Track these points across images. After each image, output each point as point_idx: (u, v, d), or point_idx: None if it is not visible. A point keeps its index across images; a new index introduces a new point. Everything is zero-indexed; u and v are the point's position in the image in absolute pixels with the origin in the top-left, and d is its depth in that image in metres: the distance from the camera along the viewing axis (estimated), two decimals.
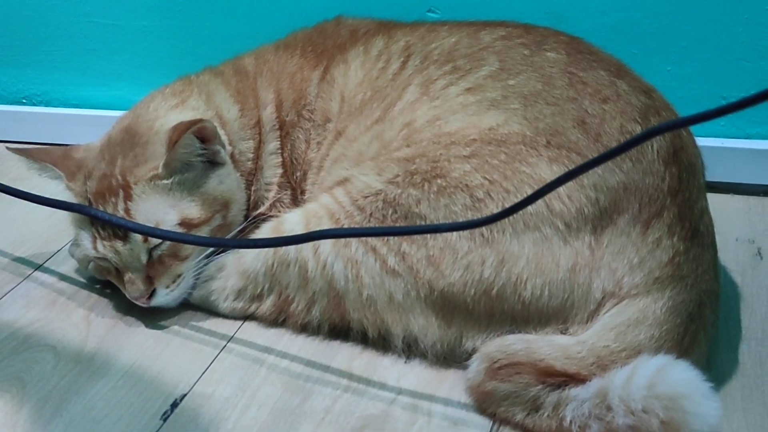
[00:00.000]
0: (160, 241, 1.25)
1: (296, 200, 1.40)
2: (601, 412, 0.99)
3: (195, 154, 1.27)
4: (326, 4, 1.63)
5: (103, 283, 1.39)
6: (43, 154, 1.34)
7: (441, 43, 1.31)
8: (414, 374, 1.17)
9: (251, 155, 1.39)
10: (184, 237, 1.24)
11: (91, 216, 1.25)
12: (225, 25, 1.75)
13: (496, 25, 1.33)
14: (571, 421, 1.01)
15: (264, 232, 1.26)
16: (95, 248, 1.27)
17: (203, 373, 1.20)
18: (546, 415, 1.04)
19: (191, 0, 1.75)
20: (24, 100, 1.95)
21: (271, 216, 1.36)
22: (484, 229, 1.10)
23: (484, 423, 1.08)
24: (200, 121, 1.25)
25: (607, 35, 1.49)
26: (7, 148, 1.36)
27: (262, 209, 1.40)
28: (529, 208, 1.06)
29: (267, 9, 1.71)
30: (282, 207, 1.40)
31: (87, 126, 1.89)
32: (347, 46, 1.40)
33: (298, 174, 1.39)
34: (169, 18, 1.79)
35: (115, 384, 1.18)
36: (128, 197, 1.25)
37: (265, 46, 1.49)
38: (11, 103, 1.96)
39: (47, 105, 1.94)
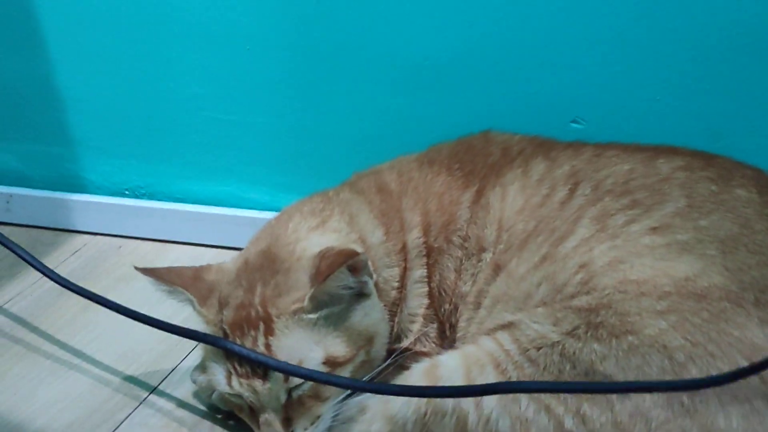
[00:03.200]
0: (302, 380, 1.13)
1: (444, 335, 1.28)
2: None
3: (345, 287, 1.16)
4: (459, 114, 1.54)
5: (225, 412, 1.28)
6: (174, 276, 1.23)
7: (613, 170, 1.20)
8: None
9: (396, 284, 1.28)
10: (340, 380, 1.12)
11: (229, 351, 1.15)
12: (339, 127, 1.66)
13: (671, 152, 1.21)
14: None
15: (416, 375, 1.14)
16: (230, 385, 1.16)
17: None
18: None
19: (307, 100, 1.66)
20: (126, 192, 1.87)
21: (417, 352, 1.24)
22: (684, 397, 0.97)
23: None
24: (355, 254, 1.14)
25: None
26: (135, 267, 1.25)
27: (405, 343, 1.28)
28: None
29: (387, 114, 1.61)
30: (427, 341, 1.28)
31: (191, 222, 1.82)
32: (501, 166, 1.29)
33: (447, 306, 1.27)
34: (283, 116, 1.70)
35: None
36: (269, 331, 1.14)
37: (405, 159, 1.38)
38: (113, 195, 1.87)
39: (150, 198, 1.85)
